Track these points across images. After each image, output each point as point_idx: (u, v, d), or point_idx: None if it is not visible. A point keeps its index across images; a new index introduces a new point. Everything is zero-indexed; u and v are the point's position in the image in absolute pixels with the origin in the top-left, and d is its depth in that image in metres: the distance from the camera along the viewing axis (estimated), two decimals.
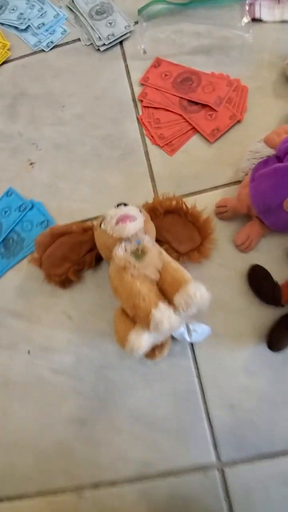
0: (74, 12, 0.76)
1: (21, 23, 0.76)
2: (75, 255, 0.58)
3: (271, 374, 0.53)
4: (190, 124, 0.64)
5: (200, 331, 0.52)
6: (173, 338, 0.53)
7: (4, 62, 0.75)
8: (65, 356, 0.58)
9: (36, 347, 0.59)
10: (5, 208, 0.66)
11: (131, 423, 0.54)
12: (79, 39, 0.74)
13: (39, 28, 0.75)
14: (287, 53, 0.65)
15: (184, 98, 0.66)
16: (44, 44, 0.74)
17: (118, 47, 0.72)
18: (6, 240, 0.65)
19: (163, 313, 0.42)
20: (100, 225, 0.52)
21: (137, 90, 0.69)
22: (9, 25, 0.77)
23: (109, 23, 0.72)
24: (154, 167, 0.64)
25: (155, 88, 0.67)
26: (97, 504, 0.53)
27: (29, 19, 0.76)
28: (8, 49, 0.75)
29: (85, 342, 0.59)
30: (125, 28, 0.71)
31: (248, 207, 0.53)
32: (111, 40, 0.71)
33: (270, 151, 0.55)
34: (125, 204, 0.52)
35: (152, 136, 0.65)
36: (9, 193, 0.66)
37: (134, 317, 0.45)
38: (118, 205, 0.52)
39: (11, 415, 0.58)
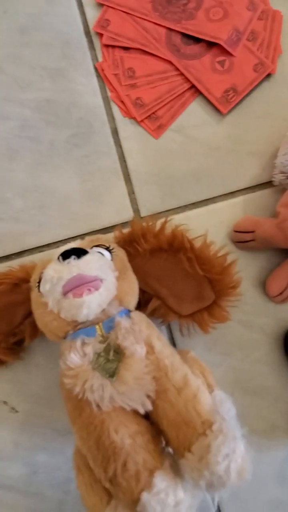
0: None
1: None
2: (4, 324, 0.35)
3: None
4: (187, 80, 0.38)
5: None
6: None
7: None
8: (12, 466, 0.39)
9: None
10: None
11: None
12: None
13: None
14: None
15: (175, 30, 0.38)
16: None
17: None
18: None
19: (160, 500, 0.23)
20: (38, 286, 0.29)
21: (93, 15, 0.39)
22: None
23: None
24: (129, 158, 0.38)
25: (124, 12, 0.38)
26: None
27: None
28: None
29: (40, 445, 0.39)
30: None
31: None
32: None
33: None
34: (77, 253, 0.28)
35: (122, 103, 0.38)
36: None
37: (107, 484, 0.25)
38: (64, 255, 0.28)
39: None
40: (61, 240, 0.38)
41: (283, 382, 0.37)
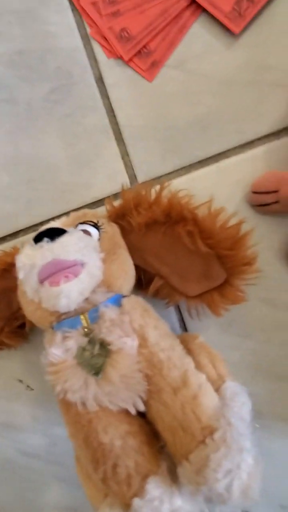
0: None
1: None
2: (4, 309, 0.33)
3: None
4: None
5: None
6: None
7: None
8: (34, 436, 0.41)
9: None
10: None
11: None
12: None
13: None
14: None
15: None
16: None
17: None
18: None
19: (153, 508, 0.20)
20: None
21: None
22: None
23: None
24: (118, 111, 0.31)
25: None
26: None
27: None
28: None
29: (56, 419, 0.40)
30: None
31: None
32: None
33: None
34: (52, 234, 0.24)
35: (105, 39, 0.30)
36: None
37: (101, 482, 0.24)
38: (37, 238, 0.24)
39: None
40: (56, 217, 0.34)
41: None
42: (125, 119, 0.31)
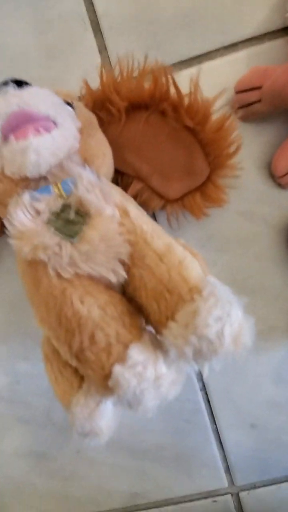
0: None
1: None
2: None
3: None
4: None
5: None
6: None
7: None
8: None
9: None
10: None
11: (111, 454, 0.38)
12: None
13: None
14: None
15: None
16: None
17: None
18: None
19: (136, 373, 0.18)
20: None
21: None
22: None
23: None
24: None
25: None
26: None
27: None
28: None
29: (20, 355, 0.36)
30: None
31: None
32: None
33: None
34: (19, 83, 0.21)
35: None
36: None
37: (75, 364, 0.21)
38: (2, 84, 0.21)
39: None
40: None
41: (285, 279, 0.32)
42: (104, 8, 0.29)
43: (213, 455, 0.36)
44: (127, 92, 0.24)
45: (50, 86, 0.24)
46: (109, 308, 0.19)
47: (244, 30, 0.29)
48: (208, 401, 0.35)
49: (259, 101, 0.27)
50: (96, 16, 0.29)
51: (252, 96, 0.27)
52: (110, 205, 0.20)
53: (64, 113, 0.21)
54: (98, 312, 0.19)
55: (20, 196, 0.20)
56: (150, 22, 0.29)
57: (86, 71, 0.29)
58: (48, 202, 0.20)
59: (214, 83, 0.29)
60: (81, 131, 0.22)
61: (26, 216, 0.19)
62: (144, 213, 0.23)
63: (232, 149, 0.25)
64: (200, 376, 0.35)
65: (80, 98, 0.26)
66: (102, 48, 0.29)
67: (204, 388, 0.35)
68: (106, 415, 0.20)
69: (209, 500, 0.38)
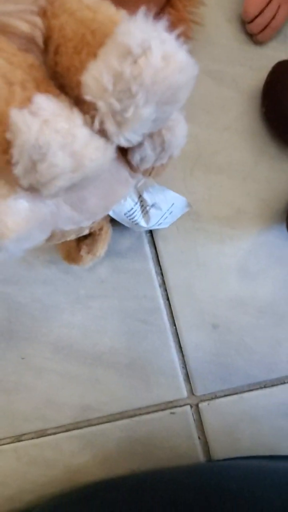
0: None
1: None
2: None
3: (283, 273, 0.32)
4: None
5: (167, 206, 0.27)
6: (115, 223, 0.28)
7: None
8: None
9: None
10: None
11: (60, 360, 0.34)
12: None
13: None
14: None
15: None
16: None
17: None
18: None
19: (43, 119, 0.13)
20: None
21: None
22: None
23: None
24: None
25: None
26: (22, 457, 0.37)
27: None
28: None
29: None
30: None
31: None
32: None
33: None
34: None
35: None
36: None
37: None
38: None
39: None
40: None
41: (255, 156, 0.29)
42: None
43: (172, 360, 0.34)
44: None
45: None
46: (17, 62, 0.15)
47: None
48: (168, 298, 0.32)
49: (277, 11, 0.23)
50: None
51: (267, 14, 0.23)
52: None
53: None
54: (2, 61, 0.14)
55: None
56: None
57: None
58: None
59: None
60: None
61: None
62: None
63: None
64: (159, 270, 0.32)
65: None
66: None
67: (163, 284, 0.32)
68: (14, 212, 0.16)
69: (167, 412, 0.35)
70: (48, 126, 0.13)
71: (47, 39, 0.16)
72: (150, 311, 0.33)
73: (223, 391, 0.35)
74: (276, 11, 0.25)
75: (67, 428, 0.36)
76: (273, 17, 0.25)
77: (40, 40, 0.16)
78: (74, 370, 0.34)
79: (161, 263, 0.31)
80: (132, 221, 0.27)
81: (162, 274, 0.32)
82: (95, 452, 0.36)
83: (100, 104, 0.13)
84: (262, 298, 0.32)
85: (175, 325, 0.33)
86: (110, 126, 0.14)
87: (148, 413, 0.35)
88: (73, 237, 0.25)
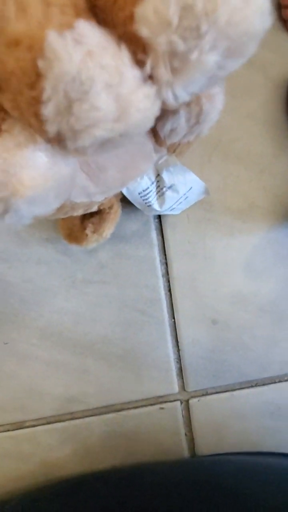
0: None
1: None
2: None
3: (287, 273, 0.31)
4: None
5: (184, 189, 0.25)
6: (123, 203, 0.26)
7: None
8: None
9: None
10: None
11: (47, 347, 0.32)
12: None
13: None
14: None
15: None
16: None
17: None
18: None
19: (86, 50, 0.10)
20: None
21: None
22: None
23: None
24: None
25: None
26: None
27: None
28: None
29: None
30: None
31: None
32: None
33: None
34: None
35: None
36: None
37: None
38: None
39: None
40: None
41: (275, 148, 0.28)
42: None
43: (167, 354, 0.32)
44: None
45: None
46: None
47: None
48: (170, 289, 0.31)
49: None
50: None
51: None
52: None
53: None
54: None
55: None
56: None
57: None
58: None
59: None
60: None
61: None
62: None
63: None
64: (164, 259, 0.30)
65: None
66: None
67: (166, 274, 0.31)
68: (31, 166, 0.13)
69: (156, 407, 0.34)
70: (93, 59, 0.10)
71: None
72: (149, 301, 0.31)
73: (215, 388, 0.34)
74: None
75: (48, 421, 0.33)
76: None
77: None
78: (62, 359, 0.32)
79: (166, 252, 0.30)
80: (146, 202, 0.25)
81: (166, 264, 0.30)
82: (75, 447, 0.34)
83: (160, 41, 0.11)
84: (264, 297, 0.32)
85: (174, 318, 0.31)
86: (163, 72, 0.12)
87: (136, 407, 0.33)
88: (80, 212, 0.22)
